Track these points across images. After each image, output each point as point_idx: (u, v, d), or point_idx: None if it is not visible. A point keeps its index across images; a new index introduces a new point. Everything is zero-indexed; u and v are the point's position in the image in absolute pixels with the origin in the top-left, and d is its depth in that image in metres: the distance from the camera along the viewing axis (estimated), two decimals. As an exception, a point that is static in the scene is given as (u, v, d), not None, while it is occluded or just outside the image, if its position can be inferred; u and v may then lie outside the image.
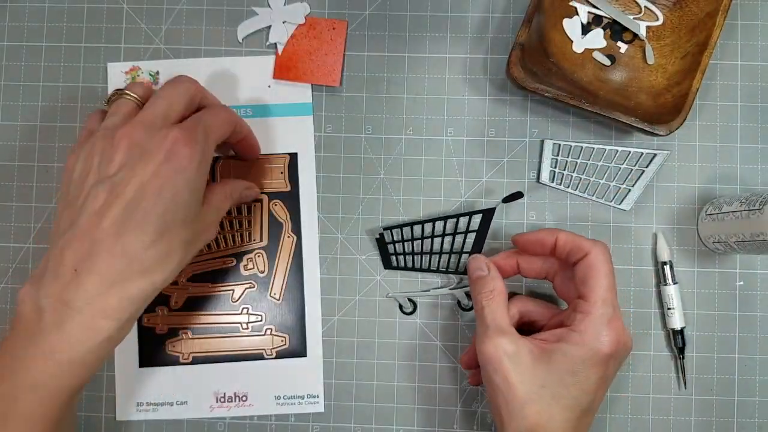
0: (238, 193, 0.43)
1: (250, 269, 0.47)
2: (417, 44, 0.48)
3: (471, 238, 0.46)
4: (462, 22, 0.47)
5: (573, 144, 0.47)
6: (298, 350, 0.46)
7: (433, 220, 0.46)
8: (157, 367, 0.46)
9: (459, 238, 0.46)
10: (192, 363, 0.46)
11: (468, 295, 0.46)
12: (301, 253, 0.47)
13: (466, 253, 0.46)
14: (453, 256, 0.46)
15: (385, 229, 0.46)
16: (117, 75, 0.48)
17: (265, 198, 0.47)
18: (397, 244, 0.46)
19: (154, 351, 0.46)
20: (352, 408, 0.46)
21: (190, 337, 0.46)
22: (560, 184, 0.46)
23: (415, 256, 0.46)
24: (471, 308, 0.46)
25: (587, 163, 0.47)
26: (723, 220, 0.42)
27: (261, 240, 0.47)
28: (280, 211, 0.47)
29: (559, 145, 0.47)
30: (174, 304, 0.46)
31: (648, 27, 0.46)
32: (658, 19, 0.46)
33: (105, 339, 0.34)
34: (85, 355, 0.34)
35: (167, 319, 0.46)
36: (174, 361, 0.46)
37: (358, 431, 0.46)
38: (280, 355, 0.46)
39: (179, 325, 0.46)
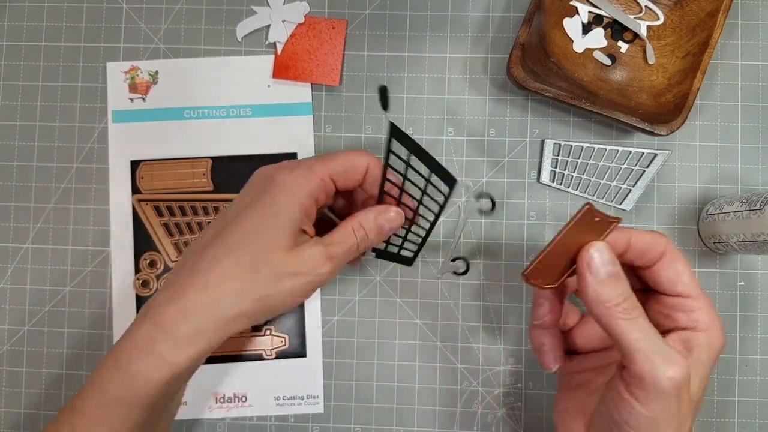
0: (369, 222, 0.38)
1: None
2: (417, 44, 0.47)
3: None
4: (462, 21, 0.47)
5: (573, 144, 0.46)
6: (297, 351, 0.46)
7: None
8: None
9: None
10: None
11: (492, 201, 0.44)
12: None
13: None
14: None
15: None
16: (116, 75, 0.47)
17: None
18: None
19: None
20: (352, 408, 0.46)
21: None
22: (561, 184, 0.46)
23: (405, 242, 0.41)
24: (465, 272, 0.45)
25: (588, 163, 0.46)
26: (724, 220, 0.42)
27: None
28: None
29: (560, 145, 0.46)
30: None
31: (649, 26, 0.46)
32: (658, 19, 0.46)
33: (156, 352, 0.33)
34: (138, 363, 0.33)
35: None
36: None
37: (357, 431, 0.46)
38: (280, 356, 0.46)
39: None
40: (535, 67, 0.43)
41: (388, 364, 0.46)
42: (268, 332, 0.46)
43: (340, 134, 0.47)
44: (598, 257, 0.32)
